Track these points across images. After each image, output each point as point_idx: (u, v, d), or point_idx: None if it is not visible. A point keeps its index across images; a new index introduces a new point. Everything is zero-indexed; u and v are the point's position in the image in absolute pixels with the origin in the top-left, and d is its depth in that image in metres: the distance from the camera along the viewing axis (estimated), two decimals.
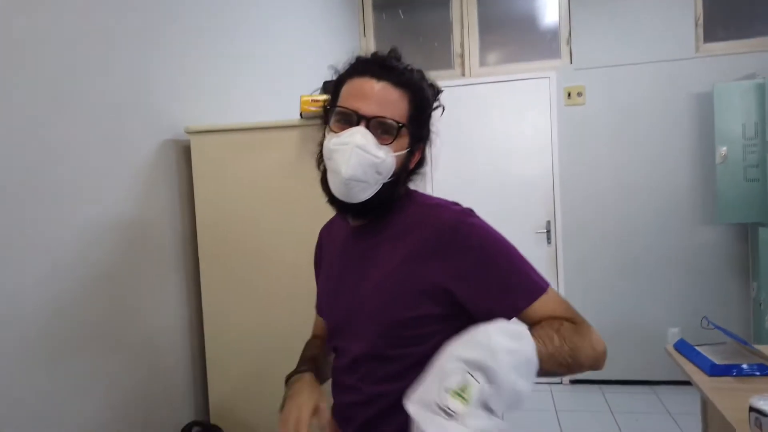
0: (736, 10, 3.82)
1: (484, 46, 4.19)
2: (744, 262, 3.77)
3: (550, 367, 0.90)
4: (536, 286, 0.99)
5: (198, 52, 1.78)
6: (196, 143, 1.63)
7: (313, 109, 1.50)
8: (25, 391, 1.07)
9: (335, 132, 1.00)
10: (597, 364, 1.01)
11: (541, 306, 0.99)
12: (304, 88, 2.25)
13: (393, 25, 4.32)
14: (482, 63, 4.19)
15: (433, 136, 1.09)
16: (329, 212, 1.51)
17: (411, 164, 1.07)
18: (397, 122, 1.00)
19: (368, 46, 4.25)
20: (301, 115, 1.54)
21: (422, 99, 1.05)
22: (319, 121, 1.51)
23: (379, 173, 0.99)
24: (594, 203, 3.96)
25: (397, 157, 1.01)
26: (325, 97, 1.48)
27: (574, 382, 3.97)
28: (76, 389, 1.20)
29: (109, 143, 1.35)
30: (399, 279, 1.01)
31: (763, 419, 1.48)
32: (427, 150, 1.09)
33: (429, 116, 1.08)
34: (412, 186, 1.11)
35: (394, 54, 1.06)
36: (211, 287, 1.63)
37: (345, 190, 0.98)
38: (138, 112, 1.47)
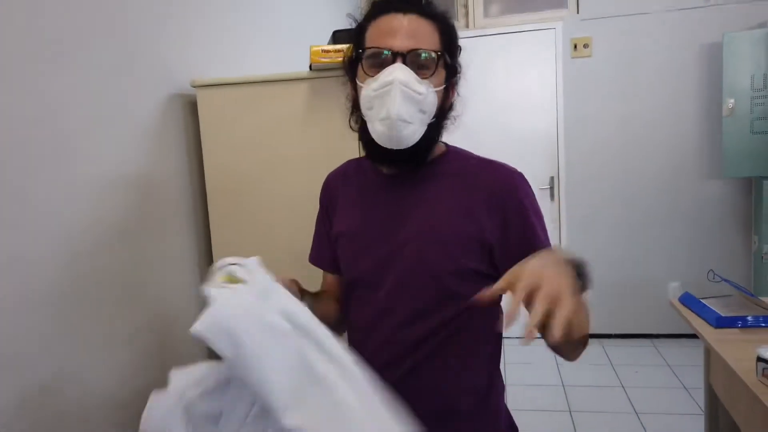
0: None
1: None
2: (747, 217, 3.77)
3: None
4: (549, 239, 1.03)
5: (202, 4, 1.72)
6: (202, 97, 1.59)
7: (323, 60, 1.45)
8: (49, 345, 1.07)
9: (370, 76, 0.94)
10: None
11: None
12: (310, 40, 2.19)
13: None
14: (486, 14, 4.08)
15: (459, 77, 1.04)
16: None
17: (448, 102, 1.02)
18: (436, 52, 0.95)
19: None
20: (310, 67, 1.50)
21: (451, 29, 1.00)
22: (329, 72, 1.48)
23: (423, 111, 0.94)
24: (598, 158, 3.93)
25: (437, 92, 0.96)
26: (336, 47, 1.44)
27: None
28: (96, 346, 1.21)
29: (114, 97, 1.31)
30: (449, 229, 0.99)
31: None
32: (456, 93, 1.04)
33: (459, 49, 1.02)
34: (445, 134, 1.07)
35: None
36: (222, 244, 1.61)
37: (395, 134, 0.92)
38: (143, 65, 1.43)
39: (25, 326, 1.03)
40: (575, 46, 3.88)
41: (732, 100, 3.45)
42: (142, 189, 1.41)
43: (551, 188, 4.01)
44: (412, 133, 0.93)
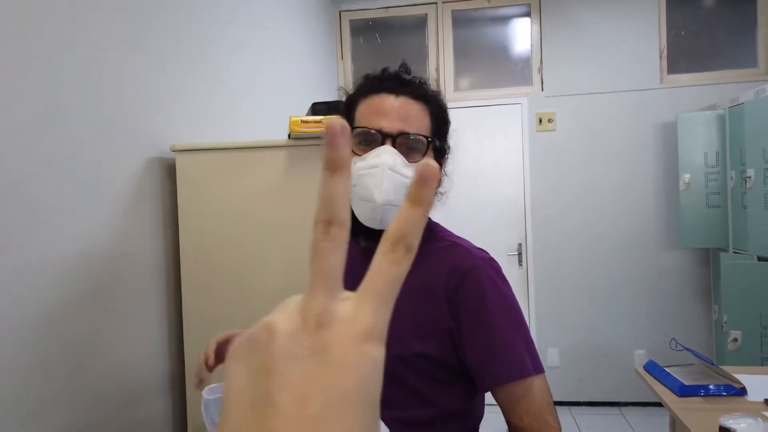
0: (698, 43, 4.02)
1: (459, 72, 4.30)
2: (707, 286, 3.90)
3: None
4: (524, 365, 0.91)
5: (185, 71, 1.79)
6: (181, 162, 1.63)
7: (302, 129, 1.52)
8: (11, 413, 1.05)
9: (358, 155, 0.92)
10: None
11: (522, 390, 0.91)
12: (288, 110, 2.27)
13: (370, 49, 4.39)
14: (457, 88, 4.29)
15: (448, 155, 1.04)
16: None
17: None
18: (426, 137, 0.94)
19: (345, 70, 4.30)
20: (289, 135, 1.56)
21: (442, 111, 1.00)
22: (308, 141, 1.54)
23: None
24: (564, 227, 4.06)
25: None
26: (315, 118, 1.51)
27: None
28: (48, 421, 1.18)
29: (90, 162, 1.33)
30: (403, 314, 0.95)
31: None
32: (445, 168, 1.04)
33: (448, 129, 1.03)
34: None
35: (405, 68, 0.99)
36: (193, 312, 1.61)
37: (379, 216, 0.90)
38: (122, 129, 1.46)
39: None
40: (540, 120, 4.08)
41: (688, 175, 3.65)
42: (116, 259, 1.41)
43: (519, 254, 4.11)
44: (396, 214, 0.93)
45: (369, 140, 0.93)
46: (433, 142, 0.96)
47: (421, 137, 0.94)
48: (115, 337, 1.39)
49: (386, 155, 0.89)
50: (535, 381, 0.91)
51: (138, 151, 1.53)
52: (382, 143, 0.92)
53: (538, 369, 0.92)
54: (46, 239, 1.17)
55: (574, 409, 3.94)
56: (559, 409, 3.75)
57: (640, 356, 3.93)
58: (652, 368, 2.24)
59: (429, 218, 1.06)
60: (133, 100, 1.50)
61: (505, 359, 0.90)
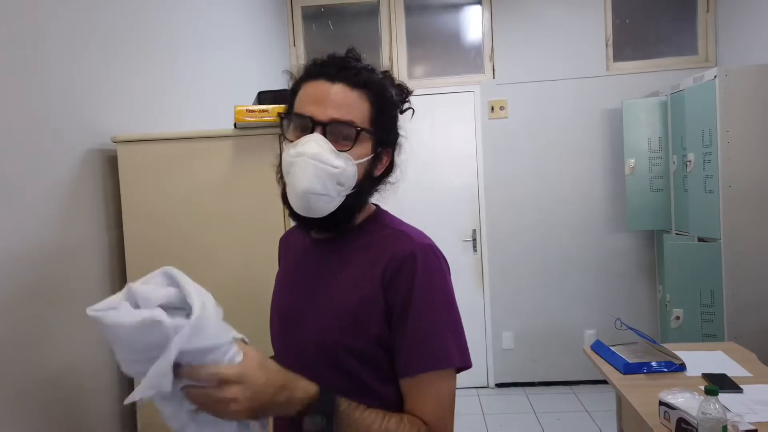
0: (642, 31, 4.14)
1: (412, 60, 4.30)
2: (651, 267, 4.06)
3: None
4: (448, 356, 0.90)
5: (125, 60, 1.73)
6: (123, 153, 1.58)
7: (248, 119, 1.49)
8: None
9: (291, 141, 0.93)
10: None
11: (429, 380, 0.90)
12: (236, 99, 2.23)
13: (323, 36, 4.35)
14: (410, 75, 4.29)
15: (402, 140, 1.03)
16: (267, 226, 1.51)
17: (377, 172, 0.99)
18: (356, 126, 0.92)
19: (298, 56, 4.25)
20: (235, 125, 1.53)
21: (385, 99, 0.97)
22: (254, 131, 1.51)
23: (340, 184, 0.91)
24: (516, 212, 4.14)
25: (359, 164, 0.93)
26: (261, 107, 1.48)
27: (499, 385, 4.12)
28: None
29: (24, 155, 1.27)
30: (344, 301, 0.94)
31: (671, 411, 1.61)
32: (396, 156, 1.02)
33: (395, 118, 1.01)
34: (380, 197, 1.03)
35: (352, 54, 0.98)
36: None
37: (304, 204, 0.90)
38: (60, 119, 1.41)
39: None
40: (492, 108, 4.13)
41: (632, 160, 3.77)
42: (56, 256, 1.36)
43: (473, 240, 4.17)
44: (326, 203, 0.91)
45: (303, 127, 0.93)
46: (368, 130, 0.94)
47: (350, 125, 0.92)
48: (58, 336, 1.35)
49: (312, 143, 0.89)
50: (448, 376, 0.91)
51: (76, 142, 1.47)
52: (312, 131, 0.91)
53: (465, 362, 0.92)
54: None
55: (528, 389, 4.06)
56: (514, 390, 3.88)
57: (590, 336, 4.07)
58: (598, 348, 2.32)
59: (377, 206, 1.05)
60: (71, 90, 1.44)
61: (427, 351, 0.89)
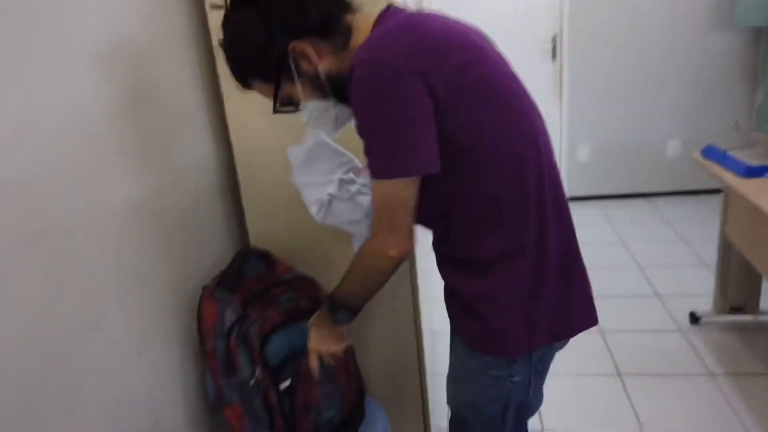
0: None
1: None
2: (752, 72, 3.67)
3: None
4: (372, 168, 0.91)
5: None
6: None
7: None
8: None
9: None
10: (378, 270, 1.00)
11: (374, 187, 0.94)
12: None
13: None
14: None
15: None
16: None
17: (312, 70, 0.95)
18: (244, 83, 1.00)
19: None
20: None
21: (237, 58, 0.98)
22: None
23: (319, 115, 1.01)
24: (604, 11, 3.71)
25: (302, 92, 0.97)
26: None
27: (573, 199, 4.06)
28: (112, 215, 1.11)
29: None
30: None
31: None
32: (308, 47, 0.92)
33: (263, 51, 0.93)
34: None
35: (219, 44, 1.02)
36: (238, 111, 1.46)
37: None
38: None
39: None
40: None
41: None
42: (147, 50, 1.23)
43: (553, 47, 3.82)
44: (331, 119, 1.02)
45: None
46: (246, 81, 1.00)
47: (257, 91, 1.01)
48: (171, 137, 1.28)
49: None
50: (380, 184, 0.91)
51: None
52: None
53: (390, 172, 0.89)
54: None
55: (603, 202, 4.00)
56: (589, 203, 3.80)
57: (674, 146, 3.87)
58: (710, 153, 2.16)
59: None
60: None
61: (369, 158, 0.91)
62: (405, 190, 0.90)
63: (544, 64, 3.87)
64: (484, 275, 0.98)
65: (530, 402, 1.09)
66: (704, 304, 2.47)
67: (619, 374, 2.16)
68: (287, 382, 1.18)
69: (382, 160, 0.89)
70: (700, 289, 2.66)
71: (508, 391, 1.04)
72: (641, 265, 3.03)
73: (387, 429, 1.41)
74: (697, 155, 2.21)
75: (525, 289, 0.97)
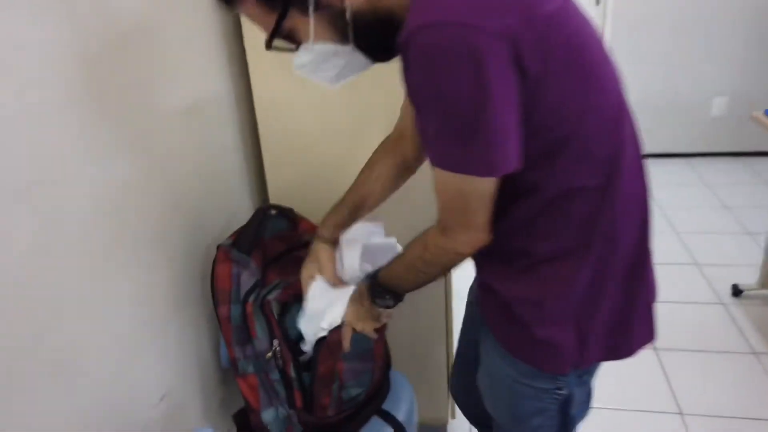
0: None
1: None
2: None
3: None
4: (439, 155, 0.72)
5: None
6: None
7: None
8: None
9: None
10: (445, 266, 0.87)
11: (439, 175, 0.74)
12: None
13: None
14: None
15: None
16: None
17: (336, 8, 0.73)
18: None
19: None
20: None
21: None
22: None
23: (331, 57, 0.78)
24: None
25: (313, 38, 0.75)
26: None
27: None
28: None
29: None
30: None
31: None
32: None
33: None
34: None
35: None
36: (259, 63, 1.30)
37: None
38: None
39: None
40: None
41: None
42: None
43: None
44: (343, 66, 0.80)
45: None
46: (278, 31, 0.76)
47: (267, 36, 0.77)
48: (180, 78, 1.13)
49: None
50: (448, 176, 0.72)
51: None
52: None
53: (466, 169, 0.70)
54: None
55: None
56: None
57: (720, 104, 3.61)
58: None
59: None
60: None
61: (430, 144, 0.73)
62: (486, 182, 0.72)
63: (587, 8, 3.58)
64: (530, 273, 0.82)
65: (581, 413, 0.95)
66: (747, 275, 2.31)
67: (654, 348, 2.04)
68: (308, 354, 1.07)
69: (456, 149, 0.69)
70: (743, 259, 2.50)
71: (552, 404, 0.89)
72: (678, 231, 2.86)
73: (413, 401, 1.31)
74: (761, 114, 2.01)
75: (579, 294, 0.80)
